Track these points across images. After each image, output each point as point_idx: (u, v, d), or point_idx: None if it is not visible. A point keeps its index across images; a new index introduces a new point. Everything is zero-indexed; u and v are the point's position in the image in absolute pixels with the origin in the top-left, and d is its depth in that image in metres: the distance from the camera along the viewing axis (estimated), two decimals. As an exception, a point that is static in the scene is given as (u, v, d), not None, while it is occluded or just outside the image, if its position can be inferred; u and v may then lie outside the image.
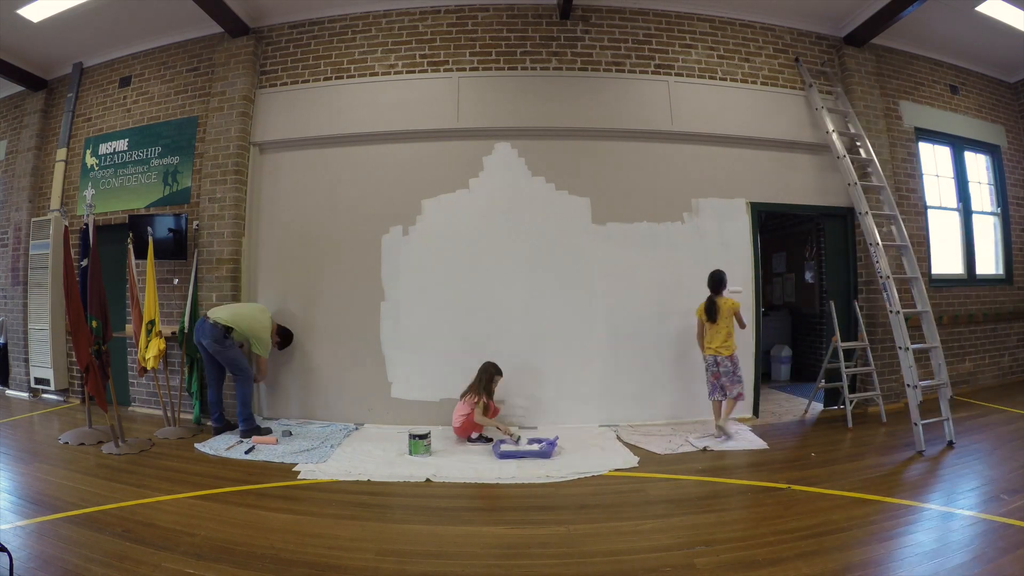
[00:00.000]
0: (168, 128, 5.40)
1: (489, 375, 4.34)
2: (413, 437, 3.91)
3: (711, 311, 4.26)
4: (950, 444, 3.87)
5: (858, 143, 5.05)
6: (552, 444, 3.88)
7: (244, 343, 4.40)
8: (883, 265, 4.39)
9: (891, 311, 4.28)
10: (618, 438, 4.28)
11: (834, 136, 4.84)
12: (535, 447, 3.89)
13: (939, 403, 4.10)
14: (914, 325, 5.49)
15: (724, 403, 4.25)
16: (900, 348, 4.18)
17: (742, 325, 4.40)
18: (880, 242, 4.46)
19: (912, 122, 5.68)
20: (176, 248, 5.06)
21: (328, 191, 5.03)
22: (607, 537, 2.60)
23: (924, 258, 5.60)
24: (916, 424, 3.82)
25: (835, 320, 4.85)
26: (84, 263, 4.47)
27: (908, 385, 4.04)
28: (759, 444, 4.06)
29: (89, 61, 5.90)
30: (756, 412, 4.92)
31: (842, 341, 4.80)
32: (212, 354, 4.30)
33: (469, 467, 3.60)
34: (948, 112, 5.97)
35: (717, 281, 4.32)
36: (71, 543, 2.50)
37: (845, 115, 5.14)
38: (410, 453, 3.87)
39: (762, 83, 5.13)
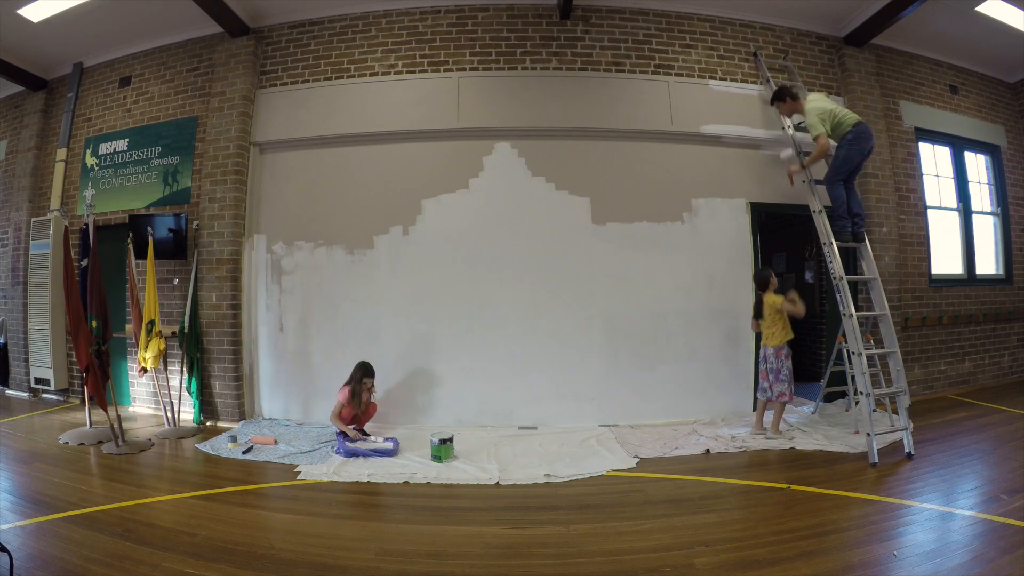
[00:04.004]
0: (168, 128, 5.40)
1: (358, 376, 4.23)
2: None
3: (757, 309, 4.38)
4: (909, 456, 3.60)
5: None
6: (396, 443, 3.97)
7: None
8: (836, 266, 4.15)
9: (844, 314, 4.03)
10: (617, 438, 4.27)
11: (790, 131, 4.76)
12: (387, 445, 3.92)
13: (899, 412, 3.92)
14: (914, 326, 5.51)
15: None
16: (854, 353, 3.92)
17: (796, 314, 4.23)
18: (833, 242, 4.21)
19: (912, 122, 5.69)
20: (176, 248, 5.06)
21: (328, 191, 5.02)
22: (607, 537, 2.61)
23: (924, 258, 5.61)
24: (870, 435, 3.57)
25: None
26: (84, 263, 4.47)
27: (861, 392, 3.79)
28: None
29: (89, 61, 5.90)
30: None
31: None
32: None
33: (465, 472, 3.61)
34: (948, 112, 5.97)
35: (762, 280, 4.41)
36: (71, 543, 2.50)
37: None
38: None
39: (762, 83, 5.13)
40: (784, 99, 4.49)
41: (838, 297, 4.11)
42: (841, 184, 4.33)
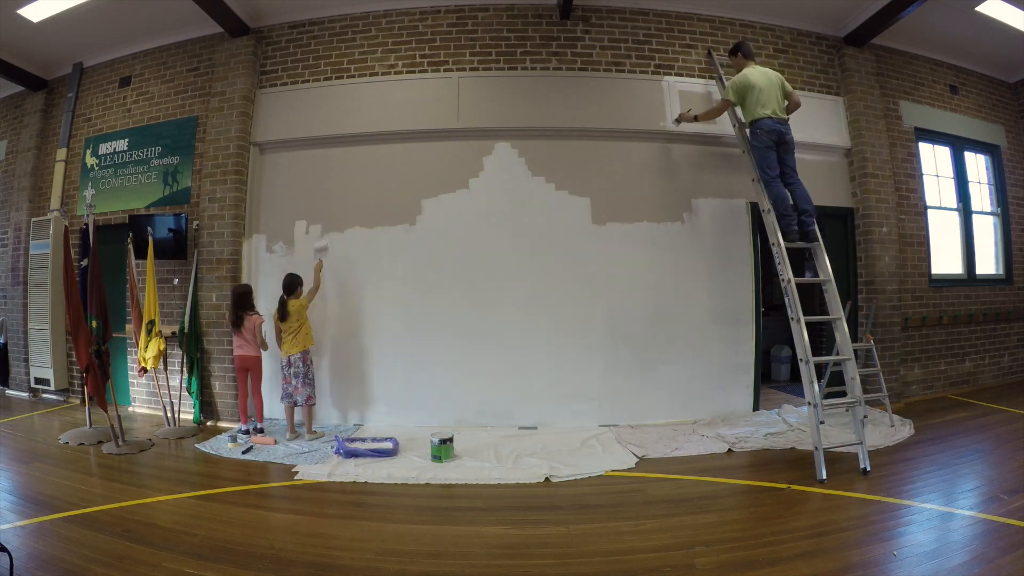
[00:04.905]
0: (168, 128, 5.40)
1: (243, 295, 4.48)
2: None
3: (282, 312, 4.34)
4: (864, 472, 3.35)
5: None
6: (396, 443, 3.94)
7: None
8: (784, 268, 3.86)
9: (792, 319, 3.77)
10: (617, 438, 4.27)
11: (743, 129, 4.52)
12: (387, 445, 3.88)
13: (855, 424, 3.59)
14: (914, 326, 5.51)
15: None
16: (801, 361, 3.65)
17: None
18: (781, 242, 3.93)
19: (912, 122, 5.68)
20: (176, 248, 5.06)
21: (328, 191, 5.02)
22: (607, 537, 2.61)
23: (924, 258, 5.61)
24: (817, 449, 3.34)
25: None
26: (84, 263, 4.47)
27: (809, 403, 3.52)
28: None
29: (89, 61, 5.90)
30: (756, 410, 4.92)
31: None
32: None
33: (471, 472, 3.61)
34: (948, 112, 5.97)
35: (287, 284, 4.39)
36: (71, 543, 2.51)
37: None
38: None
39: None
40: (736, 53, 4.44)
41: (787, 300, 3.83)
42: (778, 182, 4.11)
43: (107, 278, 4.47)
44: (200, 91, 5.31)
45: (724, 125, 4.94)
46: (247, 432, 4.41)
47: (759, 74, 4.20)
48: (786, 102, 4.25)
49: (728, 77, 4.87)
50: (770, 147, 4.12)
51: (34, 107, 6.12)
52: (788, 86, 4.29)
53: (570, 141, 4.91)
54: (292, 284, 4.39)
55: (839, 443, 3.68)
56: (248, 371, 4.48)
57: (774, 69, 5.16)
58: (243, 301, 4.43)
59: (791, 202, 4.10)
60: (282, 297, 4.36)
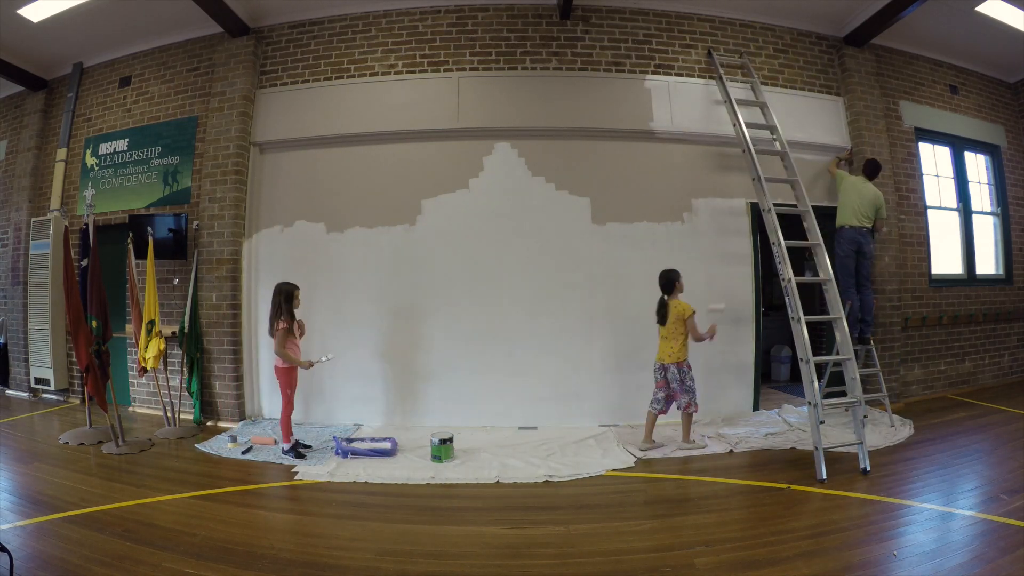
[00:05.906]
0: (168, 128, 5.40)
1: (286, 294, 3.83)
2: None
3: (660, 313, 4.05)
4: (864, 472, 3.35)
5: (774, 136, 4.75)
6: (394, 443, 3.94)
7: None
8: (785, 268, 3.86)
9: (792, 318, 3.76)
10: (617, 438, 4.27)
11: (743, 128, 4.55)
12: (385, 445, 3.88)
13: (855, 423, 3.59)
14: (914, 326, 5.51)
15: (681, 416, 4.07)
16: (802, 360, 3.66)
17: (695, 337, 3.96)
18: (783, 241, 3.94)
19: (912, 122, 5.68)
20: (176, 248, 5.06)
21: (327, 191, 5.02)
22: (607, 537, 2.61)
23: (924, 258, 5.61)
24: (817, 449, 3.34)
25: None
26: (84, 263, 4.47)
27: (809, 403, 3.53)
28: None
29: (89, 61, 5.90)
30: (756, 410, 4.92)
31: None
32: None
33: (479, 471, 3.60)
34: (948, 112, 5.97)
35: (667, 282, 4.02)
36: (71, 543, 2.51)
37: (762, 107, 4.88)
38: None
39: (762, 83, 5.11)
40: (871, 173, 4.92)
41: (787, 300, 3.85)
42: (853, 290, 4.67)
43: (107, 278, 4.47)
44: (200, 91, 5.31)
45: (724, 125, 4.94)
46: (299, 448, 3.95)
47: (866, 187, 4.77)
48: (875, 219, 4.78)
49: (728, 78, 4.89)
50: (850, 256, 4.69)
51: (34, 107, 6.12)
52: (884, 211, 4.82)
53: (570, 141, 4.91)
54: (670, 281, 3.98)
55: (839, 443, 3.68)
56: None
57: (776, 71, 5.20)
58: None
59: (858, 312, 4.70)
60: (662, 298, 4.02)
